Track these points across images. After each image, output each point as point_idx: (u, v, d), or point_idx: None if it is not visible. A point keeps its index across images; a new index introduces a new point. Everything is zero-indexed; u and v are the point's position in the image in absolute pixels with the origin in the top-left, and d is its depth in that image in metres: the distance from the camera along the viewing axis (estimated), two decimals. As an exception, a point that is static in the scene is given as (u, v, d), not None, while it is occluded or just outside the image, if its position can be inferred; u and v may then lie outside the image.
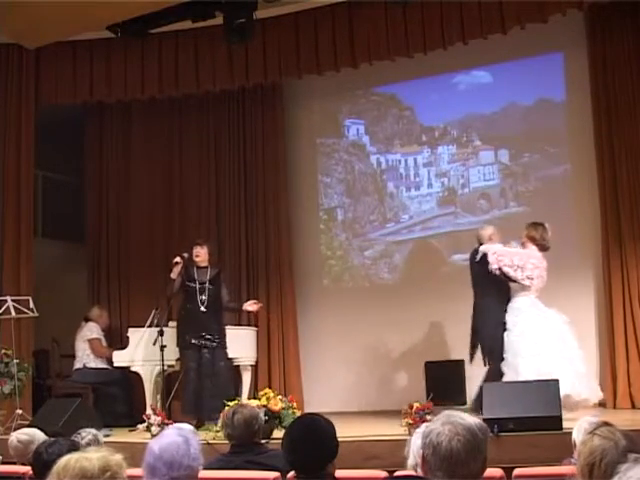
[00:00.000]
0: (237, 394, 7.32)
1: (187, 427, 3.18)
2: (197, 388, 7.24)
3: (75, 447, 3.50)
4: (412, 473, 2.61)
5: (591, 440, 2.29)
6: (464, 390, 8.21)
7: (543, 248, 6.77)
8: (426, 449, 2.14)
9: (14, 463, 4.21)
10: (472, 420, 2.17)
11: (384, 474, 3.45)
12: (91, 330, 8.46)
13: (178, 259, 7.43)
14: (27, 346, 8.24)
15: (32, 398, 8.06)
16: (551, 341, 6.46)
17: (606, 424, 2.42)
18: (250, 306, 7.76)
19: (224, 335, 7.51)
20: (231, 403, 5.36)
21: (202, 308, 7.35)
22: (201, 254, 7.52)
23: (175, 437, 2.87)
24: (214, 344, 7.32)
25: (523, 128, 8.61)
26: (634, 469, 1.83)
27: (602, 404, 7.62)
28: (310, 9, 8.05)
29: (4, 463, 4.55)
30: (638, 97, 7.66)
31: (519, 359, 6.39)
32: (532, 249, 6.76)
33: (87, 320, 8.62)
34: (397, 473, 2.64)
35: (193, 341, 7.29)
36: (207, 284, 7.42)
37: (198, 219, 9.39)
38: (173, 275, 7.44)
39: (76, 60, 8.57)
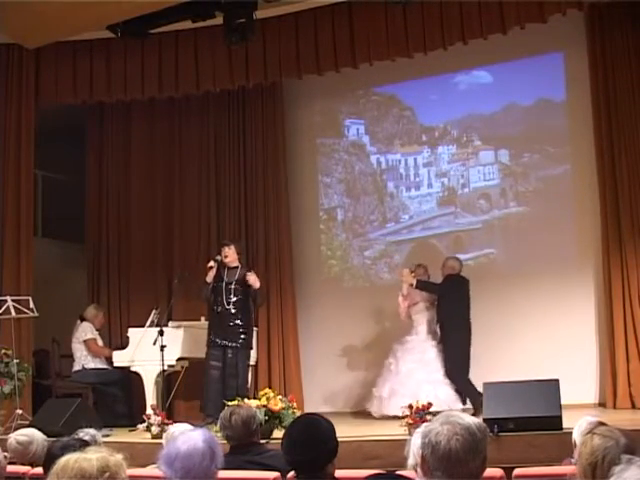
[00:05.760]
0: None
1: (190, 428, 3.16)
2: (220, 388, 7.23)
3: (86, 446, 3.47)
4: (411, 473, 2.61)
5: (591, 440, 2.26)
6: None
7: None
8: (425, 449, 2.14)
9: (14, 463, 4.20)
10: (471, 420, 2.17)
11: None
12: (85, 331, 8.37)
13: (212, 263, 7.43)
14: (27, 346, 8.23)
15: (32, 398, 8.06)
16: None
17: (602, 424, 2.40)
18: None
19: (251, 335, 7.54)
20: (230, 403, 5.35)
21: (230, 308, 7.36)
22: (229, 254, 7.50)
23: (203, 444, 2.82)
24: (238, 344, 7.33)
25: (523, 128, 8.61)
26: (629, 470, 1.82)
27: (602, 404, 7.64)
28: (310, 9, 8.04)
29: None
30: (638, 97, 7.66)
31: None
32: None
33: (82, 319, 8.50)
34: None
35: (218, 341, 7.30)
36: (233, 284, 7.40)
37: (198, 219, 9.39)
38: (208, 279, 7.40)
39: (76, 60, 8.56)
